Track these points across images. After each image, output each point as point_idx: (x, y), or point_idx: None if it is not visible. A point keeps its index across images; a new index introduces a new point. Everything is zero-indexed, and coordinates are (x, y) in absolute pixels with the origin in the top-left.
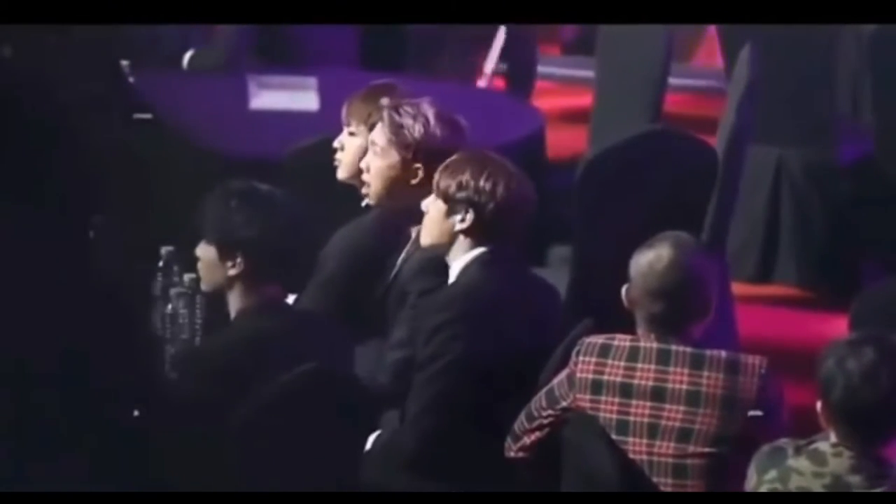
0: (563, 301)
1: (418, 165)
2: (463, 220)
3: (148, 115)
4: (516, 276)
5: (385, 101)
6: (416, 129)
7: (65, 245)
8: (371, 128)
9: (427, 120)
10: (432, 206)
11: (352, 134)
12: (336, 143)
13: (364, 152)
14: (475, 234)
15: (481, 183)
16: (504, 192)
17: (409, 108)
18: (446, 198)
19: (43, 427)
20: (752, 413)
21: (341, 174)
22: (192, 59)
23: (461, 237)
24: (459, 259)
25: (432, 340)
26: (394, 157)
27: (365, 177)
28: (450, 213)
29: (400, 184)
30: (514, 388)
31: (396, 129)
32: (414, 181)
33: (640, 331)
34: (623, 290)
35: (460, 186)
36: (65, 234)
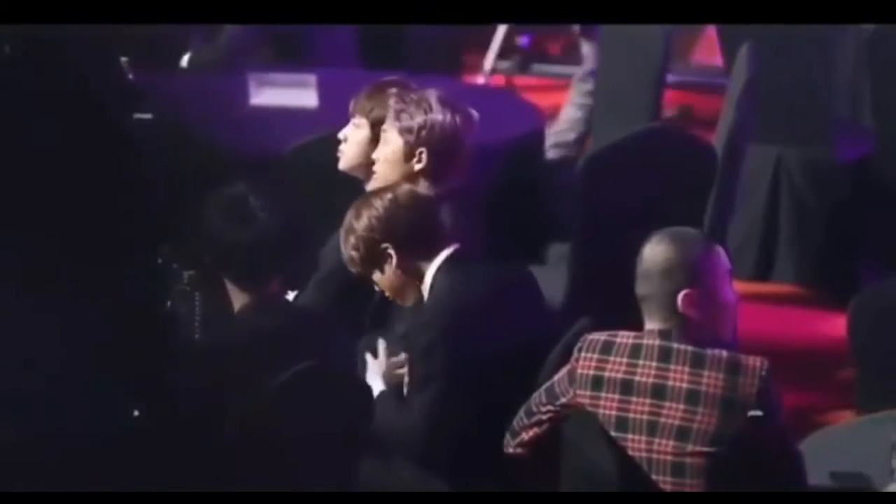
0: (562, 298)
1: (421, 150)
2: (384, 271)
3: (148, 115)
4: (480, 275)
5: (393, 89)
6: (417, 115)
7: (66, 242)
8: (373, 122)
9: (429, 106)
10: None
11: (356, 126)
12: (340, 135)
13: (365, 145)
14: (412, 254)
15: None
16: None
17: (413, 96)
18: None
19: (40, 426)
20: (751, 413)
21: (342, 165)
22: (192, 56)
23: None
24: (428, 269)
25: (425, 361)
26: (397, 141)
27: (375, 166)
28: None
29: (404, 168)
30: (512, 385)
31: (398, 114)
32: (418, 166)
33: (646, 325)
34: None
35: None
36: (65, 230)
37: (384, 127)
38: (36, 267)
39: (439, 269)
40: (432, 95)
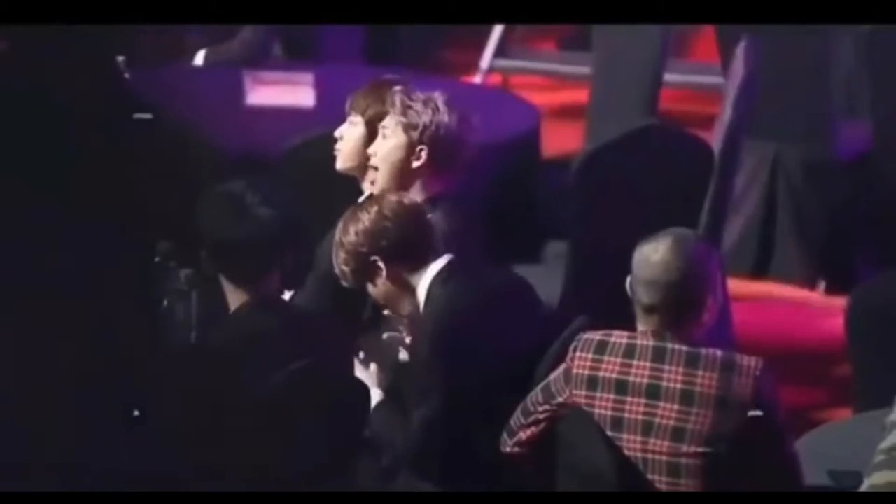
0: (558, 297)
1: (422, 147)
2: (376, 284)
3: (148, 116)
4: (476, 286)
5: (397, 87)
6: (425, 113)
7: (63, 242)
8: (369, 119)
9: (437, 106)
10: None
11: (352, 124)
12: (336, 133)
13: (362, 143)
14: (402, 266)
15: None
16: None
17: (420, 94)
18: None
19: (38, 427)
20: (751, 414)
21: (339, 164)
22: (208, 54)
23: None
24: (421, 281)
25: (425, 375)
26: (401, 137)
27: (373, 161)
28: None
29: (404, 165)
30: (511, 394)
31: (405, 110)
32: (417, 163)
33: (638, 326)
34: (627, 282)
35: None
36: (62, 230)
37: (384, 123)
38: (33, 266)
39: (434, 281)
40: (439, 97)
